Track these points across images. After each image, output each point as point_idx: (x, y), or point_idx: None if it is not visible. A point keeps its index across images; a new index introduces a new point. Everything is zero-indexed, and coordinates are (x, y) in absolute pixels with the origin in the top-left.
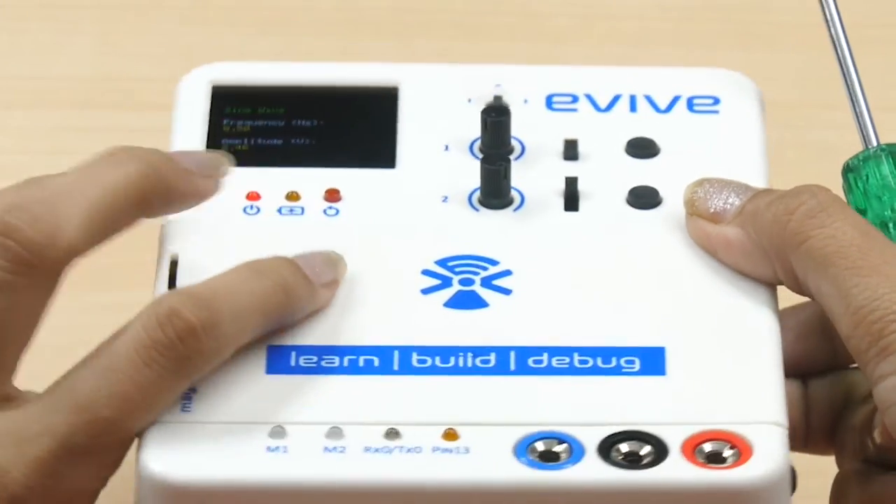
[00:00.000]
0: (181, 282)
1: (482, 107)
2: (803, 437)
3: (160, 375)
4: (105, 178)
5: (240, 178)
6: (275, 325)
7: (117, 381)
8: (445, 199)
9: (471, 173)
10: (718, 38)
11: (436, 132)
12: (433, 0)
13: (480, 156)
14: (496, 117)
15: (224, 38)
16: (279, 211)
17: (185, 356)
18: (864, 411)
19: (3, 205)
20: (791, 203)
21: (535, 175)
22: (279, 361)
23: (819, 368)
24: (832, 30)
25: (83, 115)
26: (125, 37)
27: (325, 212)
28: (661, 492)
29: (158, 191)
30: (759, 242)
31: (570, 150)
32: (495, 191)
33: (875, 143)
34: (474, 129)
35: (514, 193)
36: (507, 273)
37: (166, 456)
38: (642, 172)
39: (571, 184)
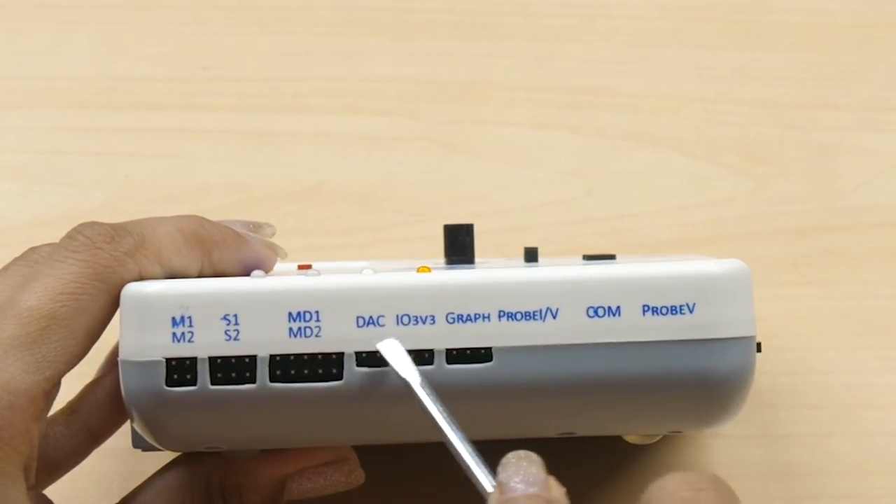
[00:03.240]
0: None
1: None
2: None
3: (78, 267)
4: (165, 221)
5: None
6: (204, 253)
7: (36, 278)
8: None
9: None
10: (718, 38)
11: None
12: (433, 0)
13: None
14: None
15: (224, 38)
16: None
17: (99, 249)
18: None
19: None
20: None
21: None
22: None
23: None
24: None
25: (83, 115)
26: (125, 37)
27: None
28: (626, 280)
29: (213, 237)
30: None
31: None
32: (460, 248)
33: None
34: None
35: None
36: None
37: (146, 285)
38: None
39: (531, 248)
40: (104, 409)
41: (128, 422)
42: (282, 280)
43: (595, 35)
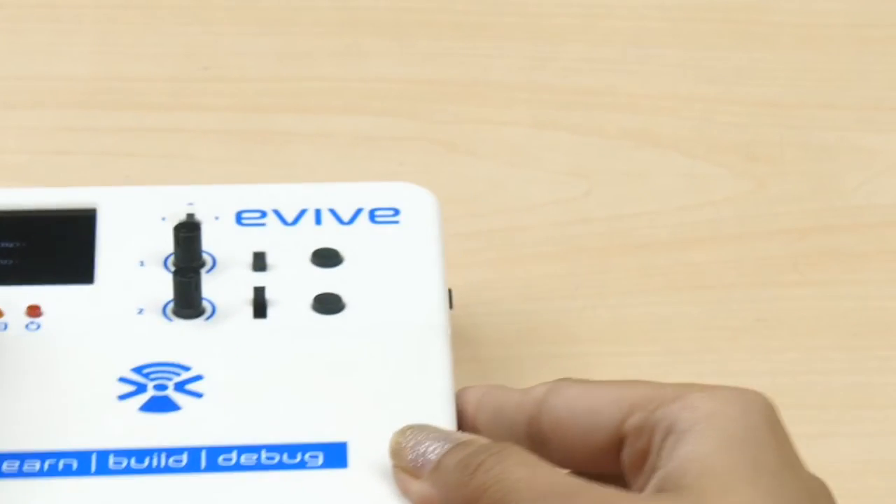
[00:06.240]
0: None
1: (175, 224)
2: None
3: None
4: None
5: None
6: None
7: None
8: (141, 311)
9: (165, 286)
10: (718, 38)
11: (132, 249)
12: (433, 0)
13: (173, 269)
14: (187, 233)
15: (224, 38)
16: None
17: None
18: None
19: None
20: (472, 460)
21: (226, 286)
22: None
23: None
24: None
25: (83, 115)
26: (125, 37)
27: (27, 327)
28: None
29: None
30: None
31: (259, 262)
32: (187, 302)
33: None
34: (168, 246)
35: (205, 304)
36: (199, 378)
37: None
38: (327, 280)
39: (259, 293)
40: None
41: None
42: None
43: (595, 35)
